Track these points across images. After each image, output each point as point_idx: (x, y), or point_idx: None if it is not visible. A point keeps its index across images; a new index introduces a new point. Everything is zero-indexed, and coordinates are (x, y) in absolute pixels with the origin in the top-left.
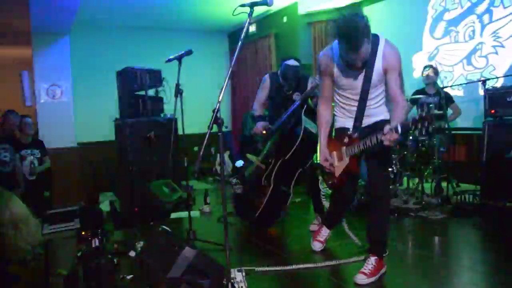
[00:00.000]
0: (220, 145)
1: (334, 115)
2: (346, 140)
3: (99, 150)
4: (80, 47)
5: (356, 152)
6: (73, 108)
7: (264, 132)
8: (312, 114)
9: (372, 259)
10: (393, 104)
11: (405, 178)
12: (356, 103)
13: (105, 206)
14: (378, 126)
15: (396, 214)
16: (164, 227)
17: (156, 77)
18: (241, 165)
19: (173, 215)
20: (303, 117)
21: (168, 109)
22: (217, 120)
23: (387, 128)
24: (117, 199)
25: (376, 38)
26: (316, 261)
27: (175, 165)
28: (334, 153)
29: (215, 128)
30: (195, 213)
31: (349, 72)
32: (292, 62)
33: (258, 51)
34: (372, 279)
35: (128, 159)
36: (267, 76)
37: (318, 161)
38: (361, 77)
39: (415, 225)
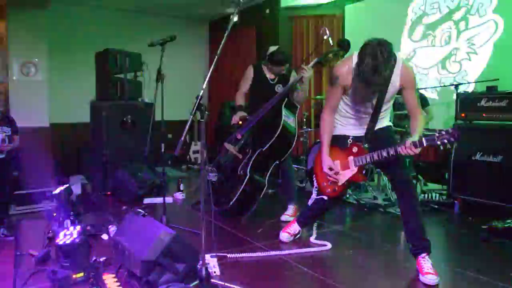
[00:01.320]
0: (201, 132)
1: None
2: (354, 149)
3: (73, 132)
4: (59, 24)
5: (367, 162)
6: (47, 87)
7: (240, 122)
8: (293, 107)
9: (427, 258)
10: (411, 117)
11: (375, 175)
12: (365, 115)
13: (76, 189)
14: (384, 133)
15: (365, 209)
16: (139, 210)
17: (136, 61)
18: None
19: (146, 201)
20: (283, 110)
21: (147, 94)
22: (200, 107)
23: (408, 142)
24: (89, 183)
25: (395, 57)
26: (284, 250)
27: (151, 151)
28: (337, 162)
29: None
30: (168, 200)
31: (365, 88)
32: (276, 47)
33: (239, 42)
34: (438, 277)
35: (102, 142)
36: (250, 67)
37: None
38: (376, 94)
39: (385, 221)
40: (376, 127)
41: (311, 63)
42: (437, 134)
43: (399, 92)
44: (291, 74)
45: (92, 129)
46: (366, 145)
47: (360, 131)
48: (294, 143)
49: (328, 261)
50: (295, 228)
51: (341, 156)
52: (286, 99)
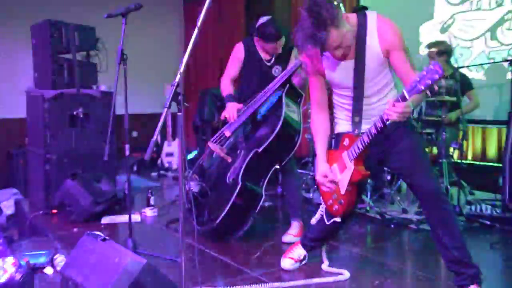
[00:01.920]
0: (179, 129)
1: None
2: (346, 142)
3: (1, 131)
4: None
5: (360, 149)
6: None
7: (236, 115)
8: (296, 96)
9: None
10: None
11: (404, 182)
12: (349, 99)
13: (7, 207)
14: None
15: (392, 226)
16: (96, 232)
17: (88, 37)
18: (194, 157)
19: (105, 220)
20: (284, 99)
21: (104, 80)
22: (177, 97)
23: (391, 102)
24: (26, 198)
25: (363, 16)
26: (287, 280)
27: (111, 154)
28: (335, 165)
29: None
30: (135, 218)
31: (340, 64)
32: (268, 18)
33: (223, 17)
34: None
35: (44, 144)
36: (240, 44)
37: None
38: (351, 69)
39: (416, 241)
40: (370, 118)
41: None
42: (417, 78)
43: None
44: (292, 53)
45: (29, 127)
46: (355, 132)
47: (366, 125)
48: (299, 141)
49: None
50: (299, 252)
51: (337, 157)
52: (287, 85)
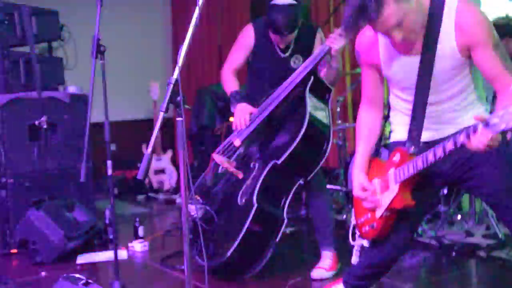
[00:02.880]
0: (181, 138)
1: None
2: (396, 157)
3: None
4: None
5: (411, 174)
6: None
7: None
8: (323, 91)
9: None
10: (497, 94)
11: (465, 196)
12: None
13: None
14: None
15: (453, 253)
16: (74, 276)
17: (49, 24)
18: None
19: (82, 258)
20: (308, 96)
21: (73, 79)
22: (175, 98)
23: (470, 128)
24: None
25: None
26: None
27: (88, 174)
28: (376, 181)
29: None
30: (121, 254)
31: (401, 59)
32: (283, 1)
33: None
34: None
35: None
36: (249, 28)
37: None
38: (415, 67)
39: (489, 273)
40: (446, 132)
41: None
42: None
43: None
44: (316, 36)
45: None
46: (411, 149)
47: (430, 133)
48: (329, 149)
49: None
50: None
51: (381, 171)
52: (311, 78)
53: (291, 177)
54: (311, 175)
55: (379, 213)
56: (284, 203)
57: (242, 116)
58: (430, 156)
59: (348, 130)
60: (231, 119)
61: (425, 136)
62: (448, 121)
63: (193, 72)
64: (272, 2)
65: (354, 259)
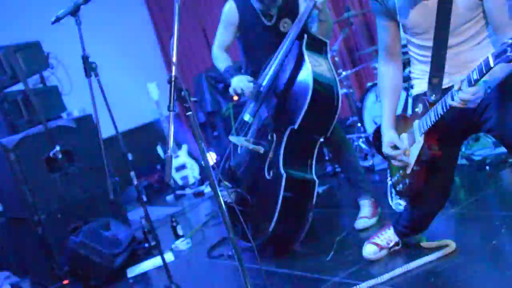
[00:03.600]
0: (196, 131)
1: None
2: (419, 108)
3: None
4: None
5: (432, 122)
6: None
7: (249, 92)
8: (319, 45)
9: None
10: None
11: None
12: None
13: None
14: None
15: (487, 168)
16: None
17: (35, 56)
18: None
19: (132, 272)
20: (306, 54)
21: (72, 102)
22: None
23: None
24: (23, 278)
25: None
26: (379, 274)
27: (115, 189)
28: (404, 135)
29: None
30: (168, 257)
31: (418, 2)
32: None
33: None
34: None
35: (26, 204)
36: (230, 3)
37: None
38: (433, 11)
39: None
40: (465, 71)
41: None
42: (509, 42)
43: None
44: None
45: None
46: (432, 97)
47: (448, 79)
48: (340, 100)
49: (465, 274)
50: (389, 237)
51: (408, 125)
52: (305, 36)
53: (311, 138)
54: (330, 131)
55: (409, 168)
56: (311, 164)
57: (242, 84)
58: (448, 99)
59: (351, 76)
60: (235, 97)
61: (444, 82)
62: (465, 64)
63: (184, 62)
64: None
65: (392, 202)
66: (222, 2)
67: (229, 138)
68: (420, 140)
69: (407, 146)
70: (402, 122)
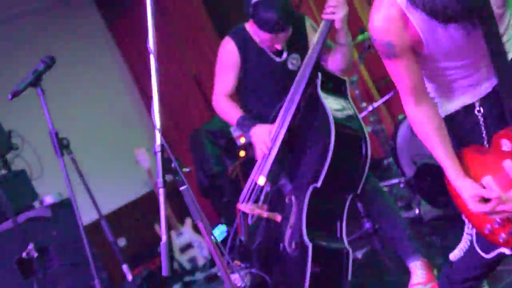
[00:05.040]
0: (193, 208)
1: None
2: (506, 145)
3: None
4: None
5: None
6: None
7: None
8: (336, 84)
9: None
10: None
11: None
12: (472, 64)
13: None
14: None
15: None
16: None
17: None
18: (224, 233)
19: None
20: (323, 96)
21: (45, 187)
22: (169, 166)
23: None
24: None
25: None
26: None
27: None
28: (489, 179)
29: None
30: None
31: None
32: None
33: (170, 9)
34: None
35: None
36: (229, 41)
37: None
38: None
39: None
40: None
41: None
42: None
43: None
44: (304, 25)
45: None
46: None
47: (487, 83)
48: (369, 146)
49: None
50: None
51: (489, 164)
52: (318, 74)
53: (338, 197)
54: (360, 186)
55: None
56: (341, 229)
57: (263, 140)
58: None
59: (378, 109)
60: (242, 153)
61: (485, 86)
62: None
63: (177, 117)
64: (254, 1)
65: (453, 255)
66: (213, 42)
67: (237, 207)
68: None
69: (499, 191)
70: (471, 159)
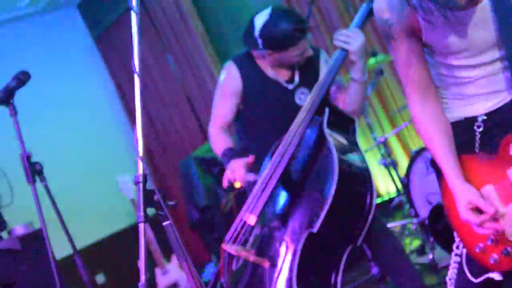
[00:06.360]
0: (176, 246)
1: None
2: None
3: None
4: None
5: None
6: None
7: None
8: (344, 122)
9: None
10: None
11: None
12: (481, 67)
13: None
14: None
15: None
16: None
17: None
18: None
19: None
20: (329, 135)
21: (15, 216)
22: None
23: None
24: None
25: None
26: None
27: None
28: (490, 188)
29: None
30: None
31: (462, 16)
32: (269, 12)
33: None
34: None
35: None
36: (231, 67)
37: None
38: (488, 18)
39: None
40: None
41: (357, 19)
42: None
43: None
44: (319, 59)
45: None
46: None
47: (498, 97)
48: (375, 194)
49: None
50: None
51: (490, 171)
52: (326, 109)
53: (335, 247)
54: (361, 237)
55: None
56: (335, 282)
57: (236, 171)
58: None
59: (390, 141)
60: (237, 184)
61: (497, 99)
62: None
63: (167, 140)
64: (260, 27)
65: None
66: (212, 67)
67: (222, 247)
68: None
69: (499, 205)
70: (473, 167)
